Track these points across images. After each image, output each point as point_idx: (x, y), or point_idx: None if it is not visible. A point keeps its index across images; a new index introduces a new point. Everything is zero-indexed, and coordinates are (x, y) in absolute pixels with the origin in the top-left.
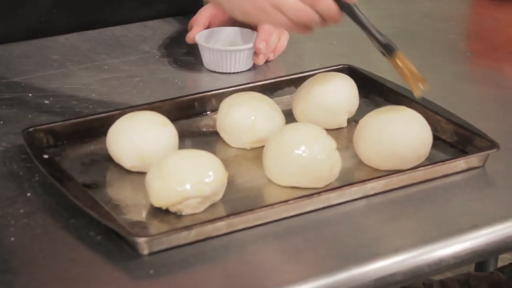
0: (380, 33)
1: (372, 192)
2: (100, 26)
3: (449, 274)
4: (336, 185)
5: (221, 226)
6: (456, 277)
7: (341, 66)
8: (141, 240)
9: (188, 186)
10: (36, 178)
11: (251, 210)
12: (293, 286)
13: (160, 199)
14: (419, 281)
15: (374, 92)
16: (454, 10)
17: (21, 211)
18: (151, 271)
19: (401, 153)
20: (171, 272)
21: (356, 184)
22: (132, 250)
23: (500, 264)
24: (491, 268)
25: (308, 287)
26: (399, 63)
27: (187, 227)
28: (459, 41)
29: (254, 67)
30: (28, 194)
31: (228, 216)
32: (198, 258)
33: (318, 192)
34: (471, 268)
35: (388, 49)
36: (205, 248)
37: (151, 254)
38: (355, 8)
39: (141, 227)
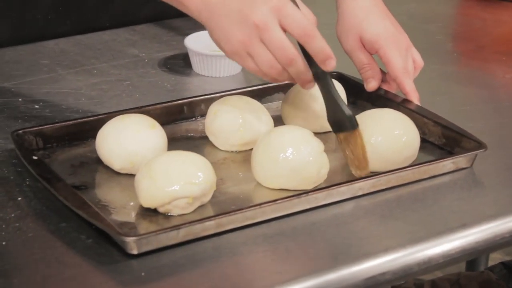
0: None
1: (360, 193)
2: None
3: (440, 274)
4: (324, 186)
5: (210, 226)
6: (447, 277)
7: (331, 72)
8: (130, 240)
9: (176, 187)
10: (27, 183)
11: (239, 210)
12: (283, 287)
13: (148, 199)
14: (410, 280)
15: (362, 97)
16: (441, 11)
17: (12, 215)
18: (142, 273)
19: (388, 155)
20: (161, 274)
21: (344, 185)
22: (123, 253)
23: (491, 263)
24: (482, 268)
25: (298, 287)
26: (351, 142)
27: (176, 226)
28: (446, 42)
29: (243, 70)
30: (19, 199)
31: (217, 215)
32: (188, 260)
33: (306, 192)
34: (462, 267)
35: (351, 123)
36: (196, 250)
37: (141, 256)
38: (328, 77)
39: (129, 228)
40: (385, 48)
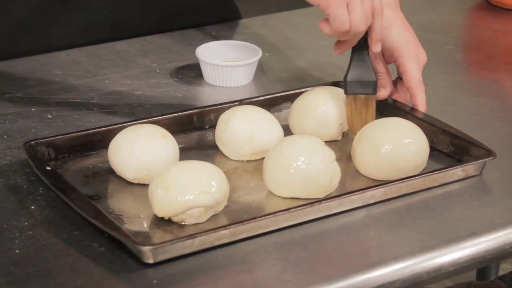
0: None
1: (372, 201)
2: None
3: (450, 283)
4: (336, 195)
5: (225, 235)
6: (457, 286)
7: (339, 82)
8: (146, 249)
9: (191, 196)
10: (40, 191)
11: (253, 218)
12: None
13: (163, 209)
14: None
15: None
16: (451, 21)
17: (26, 223)
18: (155, 281)
19: (398, 163)
20: (173, 282)
21: (356, 193)
22: (135, 261)
23: (501, 273)
24: (492, 277)
25: None
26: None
27: (191, 236)
28: (456, 52)
29: (253, 81)
30: (32, 207)
31: (232, 224)
32: (199, 268)
33: (319, 200)
34: (472, 277)
35: (375, 87)
36: (208, 258)
37: (153, 264)
38: (366, 46)
39: (144, 237)
40: (405, 57)
